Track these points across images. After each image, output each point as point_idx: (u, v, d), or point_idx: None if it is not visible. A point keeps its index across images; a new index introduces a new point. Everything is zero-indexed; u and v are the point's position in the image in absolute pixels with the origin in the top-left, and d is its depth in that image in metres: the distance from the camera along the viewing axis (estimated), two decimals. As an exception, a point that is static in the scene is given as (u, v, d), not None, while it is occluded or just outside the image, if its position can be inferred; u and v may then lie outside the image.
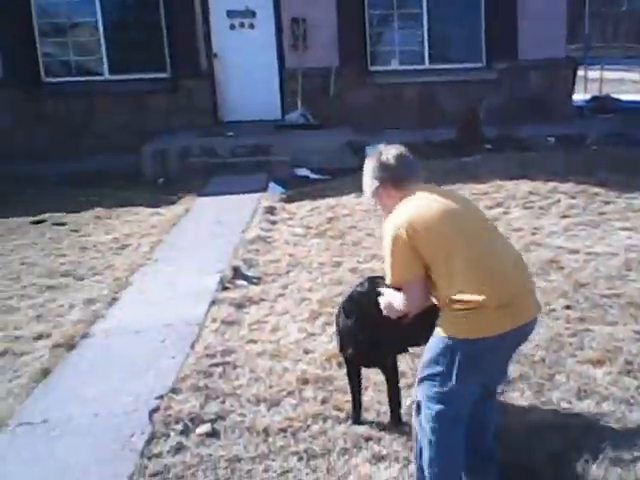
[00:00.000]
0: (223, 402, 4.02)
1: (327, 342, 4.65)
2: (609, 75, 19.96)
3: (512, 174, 9.04)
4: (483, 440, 3.18)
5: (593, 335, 4.61)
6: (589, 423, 3.66)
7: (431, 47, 13.46)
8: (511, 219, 7.33)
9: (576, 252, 6.21)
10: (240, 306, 5.35)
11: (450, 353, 2.85)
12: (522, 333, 2.94)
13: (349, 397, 3.88)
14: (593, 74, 17.66)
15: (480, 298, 2.76)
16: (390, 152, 3.12)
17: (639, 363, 4.23)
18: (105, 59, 12.64)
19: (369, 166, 3.15)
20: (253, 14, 12.71)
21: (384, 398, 3.86)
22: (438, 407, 2.92)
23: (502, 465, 3.22)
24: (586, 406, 3.81)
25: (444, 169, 9.17)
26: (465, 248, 2.84)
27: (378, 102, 12.67)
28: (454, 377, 2.86)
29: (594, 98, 16.07)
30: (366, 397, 3.94)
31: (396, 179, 3.07)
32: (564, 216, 7.38)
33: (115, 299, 5.71)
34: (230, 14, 12.65)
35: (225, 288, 5.70)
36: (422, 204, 2.94)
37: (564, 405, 3.84)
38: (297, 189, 8.76)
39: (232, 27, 12.71)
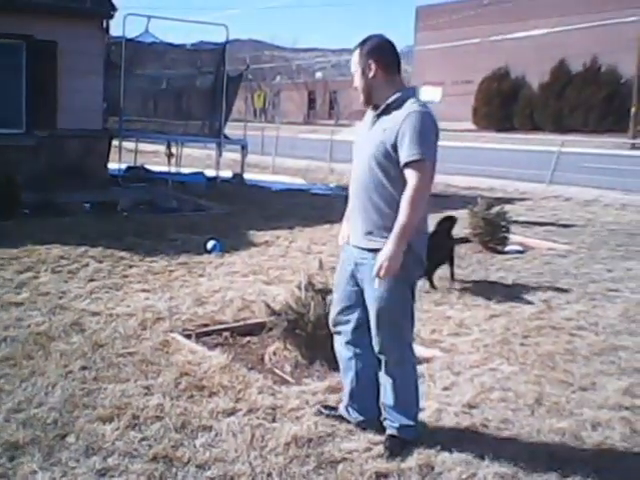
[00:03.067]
0: None
1: None
2: (146, 147, 22.07)
3: (46, 239, 9.20)
4: None
5: (106, 393, 4.85)
6: None
7: (-30, 110, 13.12)
8: (40, 283, 7.39)
9: (98, 314, 6.48)
10: None
11: None
12: None
13: None
14: (131, 145, 19.28)
15: None
16: None
17: (145, 416, 4.56)
18: None
19: None
20: None
21: None
22: None
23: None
24: (92, 463, 3.98)
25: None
26: None
27: None
28: None
29: (129, 168, 17.38)
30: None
31: None
32: (91, 279, 7.67)
33: None
34: None
35: None
36: None
37: (72, 464, 3.97)
38: None
39: None
